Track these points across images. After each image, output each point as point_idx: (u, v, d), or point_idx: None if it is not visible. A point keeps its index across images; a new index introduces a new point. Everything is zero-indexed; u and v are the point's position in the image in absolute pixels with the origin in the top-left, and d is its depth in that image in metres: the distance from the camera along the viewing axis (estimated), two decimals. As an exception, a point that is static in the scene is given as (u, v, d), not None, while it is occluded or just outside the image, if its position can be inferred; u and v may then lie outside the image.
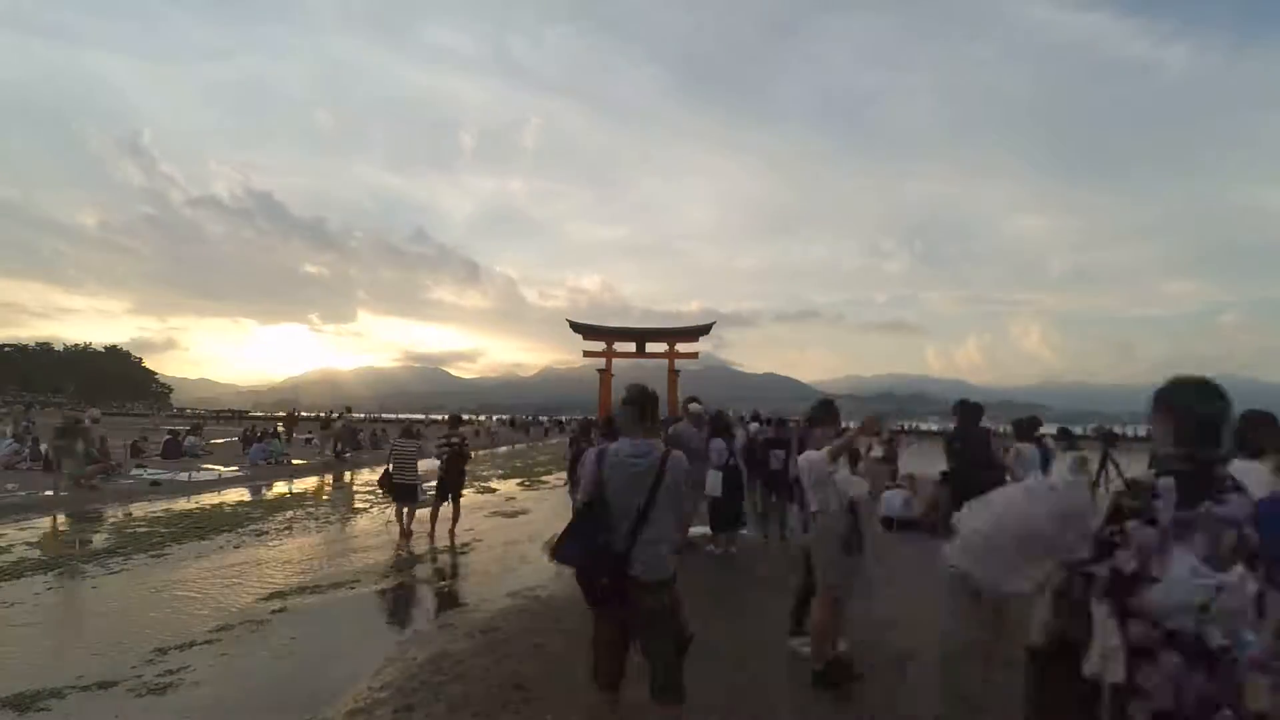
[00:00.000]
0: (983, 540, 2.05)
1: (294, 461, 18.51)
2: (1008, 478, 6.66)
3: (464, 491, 8.91)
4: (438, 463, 8.60)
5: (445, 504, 8.52)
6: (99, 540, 8.11)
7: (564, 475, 9.48)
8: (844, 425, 4.32)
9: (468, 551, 7.79)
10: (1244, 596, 1.48)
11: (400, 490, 8.46)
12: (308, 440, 24.03)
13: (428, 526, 8.49)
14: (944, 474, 6.38)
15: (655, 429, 3.59)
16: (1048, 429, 7.60)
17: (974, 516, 2.10)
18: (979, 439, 6.00)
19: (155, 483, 13.21)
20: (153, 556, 7.27)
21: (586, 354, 33.38)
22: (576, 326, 33.73)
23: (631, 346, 33.57)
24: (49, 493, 11.15)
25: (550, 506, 10.87)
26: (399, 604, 5.88)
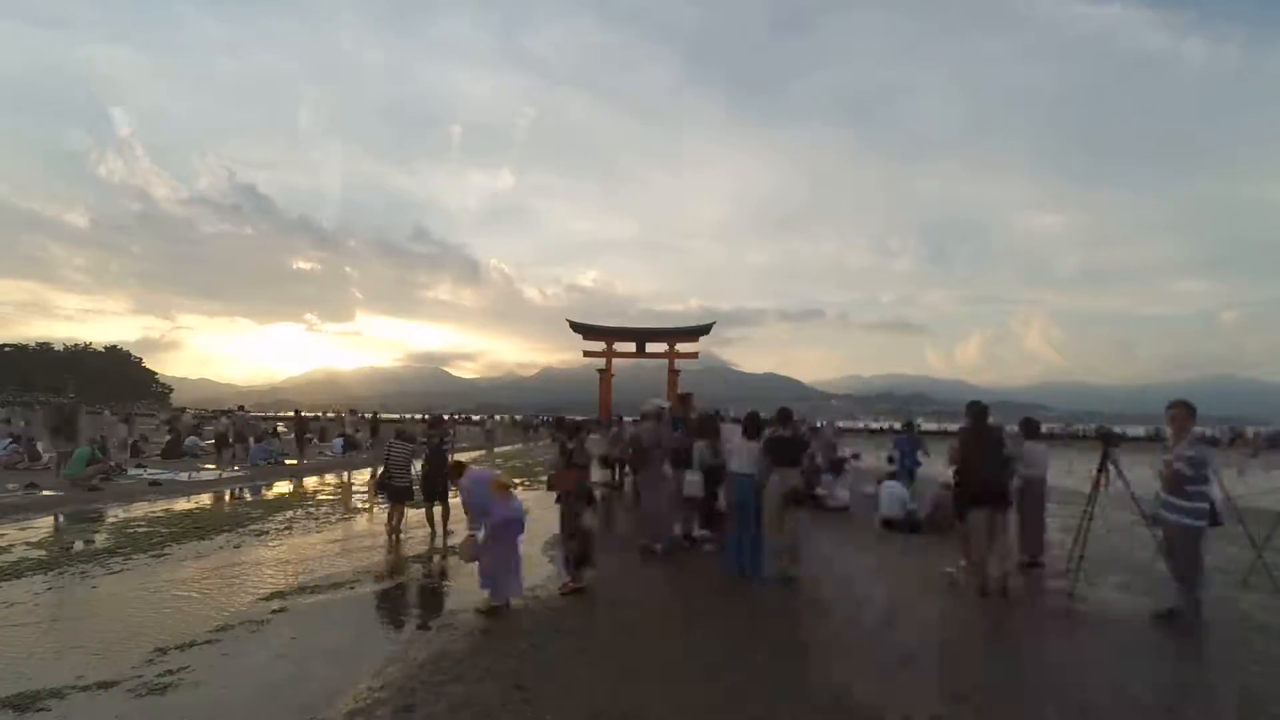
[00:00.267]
0: None
1: (288, 462, 18.53)
2: (1016, 478, 6.69)
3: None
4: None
5: (437, 505, 8.54)
6: (99, 540, 8.11)
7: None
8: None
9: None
10: None
11: (394, 492, 8.47)
12: (308, 440, 24.03)
13: (425, 528, 8.50)
14: (955, 473, 6.39)
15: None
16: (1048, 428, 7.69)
17: None
18: (992, 438, 6.02)
19: (155, 483, 13.21)
20: (153, 556, 7.27)
21: (587, 354, 33.38)
22: (576, 326, 33.73)
23: (631, 346, 33.57)
24: (49, 493, 11.16)
25: (551, 506, 10.84)
26: (399, 604, 5.87)
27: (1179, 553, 5.14)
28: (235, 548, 7.82)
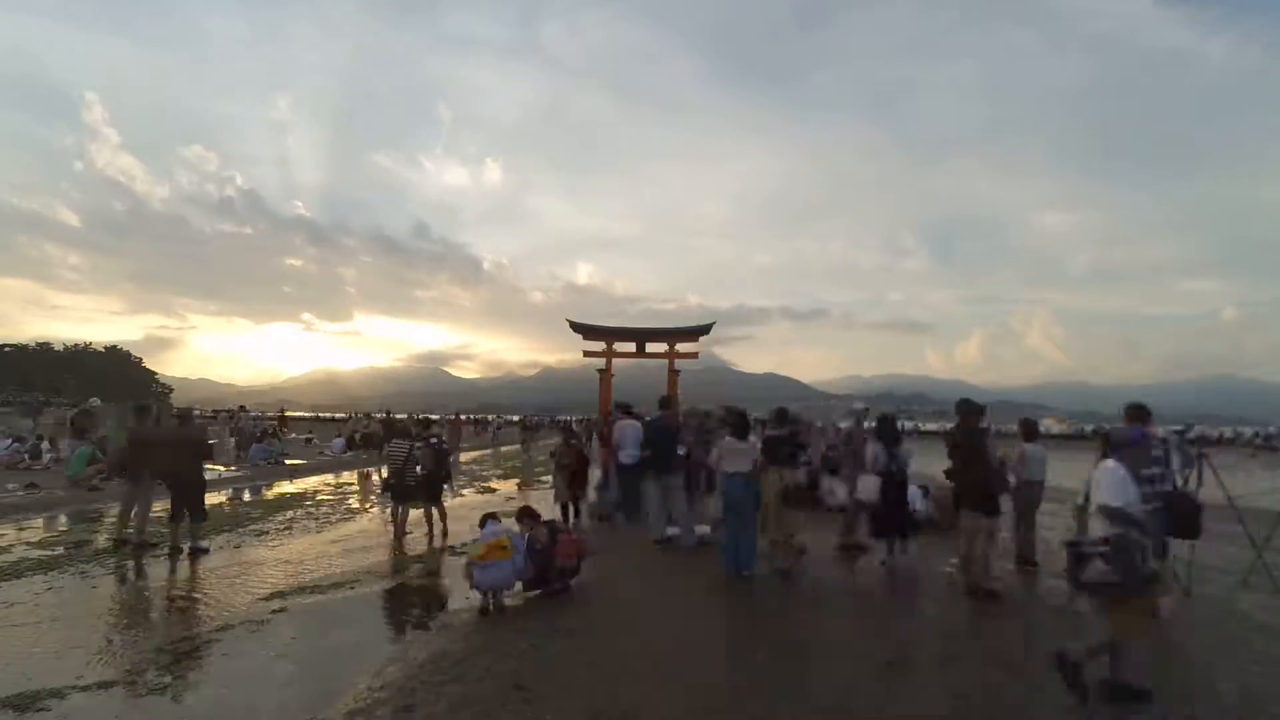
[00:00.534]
0: None
1: (289, 462, 18.53)
2: (1011, 478, 6.68)
3: (462, 493, 8.90)
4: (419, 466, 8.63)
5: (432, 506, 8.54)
6: (99, 540, 8.11)
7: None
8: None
9: (468, 552, 7.78)
10: None
11: (396, 491, 8.47)
12: (307, 440, 24.09)
13: (425, 528, 8.50)
14: (945, 473, 6.40)
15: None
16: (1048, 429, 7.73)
17: None
18: (977, 438, 6.01)
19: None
20: (152, 556, 7.27)
21: (586, 354, 33.41)
22: (576, 326, 33.71)
23: (631, 346, 33.59)
24: (50, 492, 11.16)
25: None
26: (399, 604, 5.87)
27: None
28: (235, 548, 7.82)
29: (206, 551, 7.46)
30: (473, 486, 14.16)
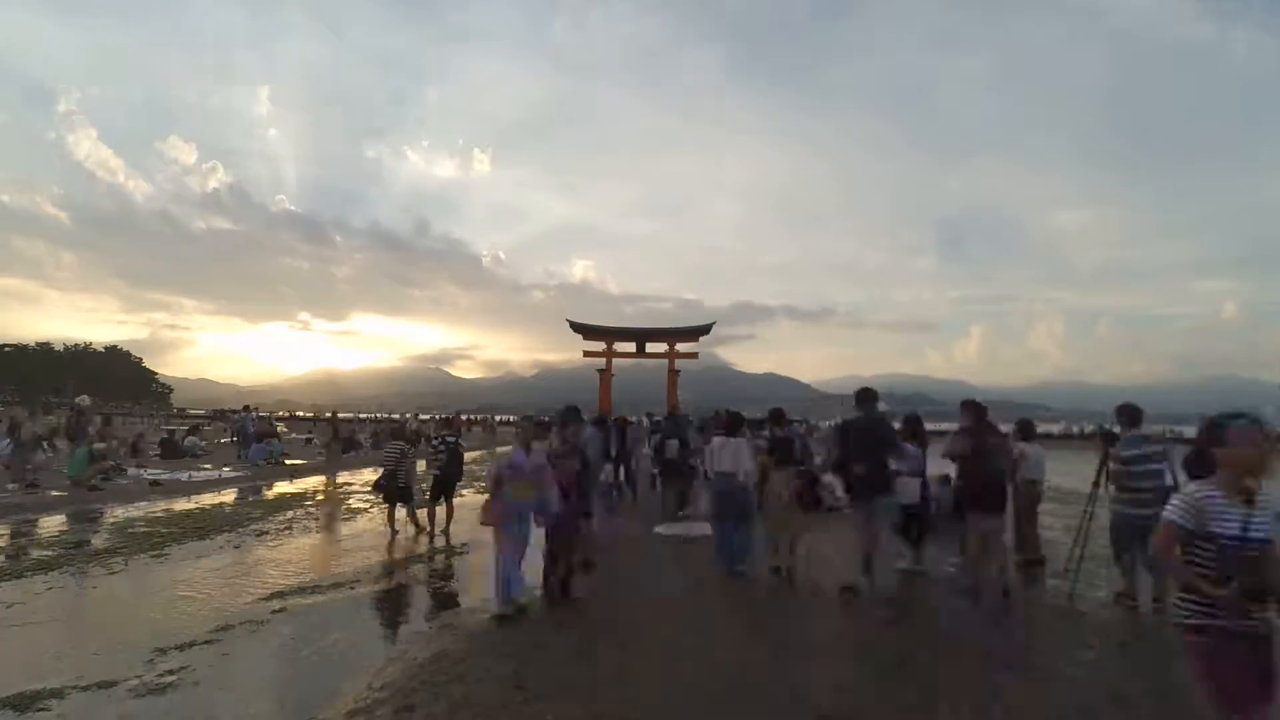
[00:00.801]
0: None
1: (289, 462, 18.53)
2: (1017, 476, 6.69)
3: (463, 492, 8.90)
4: (424, 464, 8.64)
5: (439, 505, 8.54)
6: (99, 540, 8.11)
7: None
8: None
9: (468, 552, 7.79)
10: None
11: (391, 491, 8.47)
12: (308, 440, 24.10)
13: (425, 527, 8.50)
14: (945, 475, 6.40)
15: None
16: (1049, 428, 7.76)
17: None
18: (991, 441, 6.02)
19: (155, 483, 13.21)
20: (153, 556, 7.27)
21: (586, 354, 33.47)
22: (576, 326, 33.79)
23: (631, 346, 33.67)
24: (51, 493, 11.15)
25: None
26: (399, 604, 5.87)
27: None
28: (235, 548, 7.82)
29: None
30: (473, 487, 14.15)
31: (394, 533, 8.31)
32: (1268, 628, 2.34)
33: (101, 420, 14.62)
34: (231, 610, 5.41)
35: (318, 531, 8.95)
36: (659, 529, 8.16)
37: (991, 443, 5.94)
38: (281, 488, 13.82)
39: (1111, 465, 5.61)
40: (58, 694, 3.80)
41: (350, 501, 11.81)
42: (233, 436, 18.52)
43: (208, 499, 11.84)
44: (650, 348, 33.43)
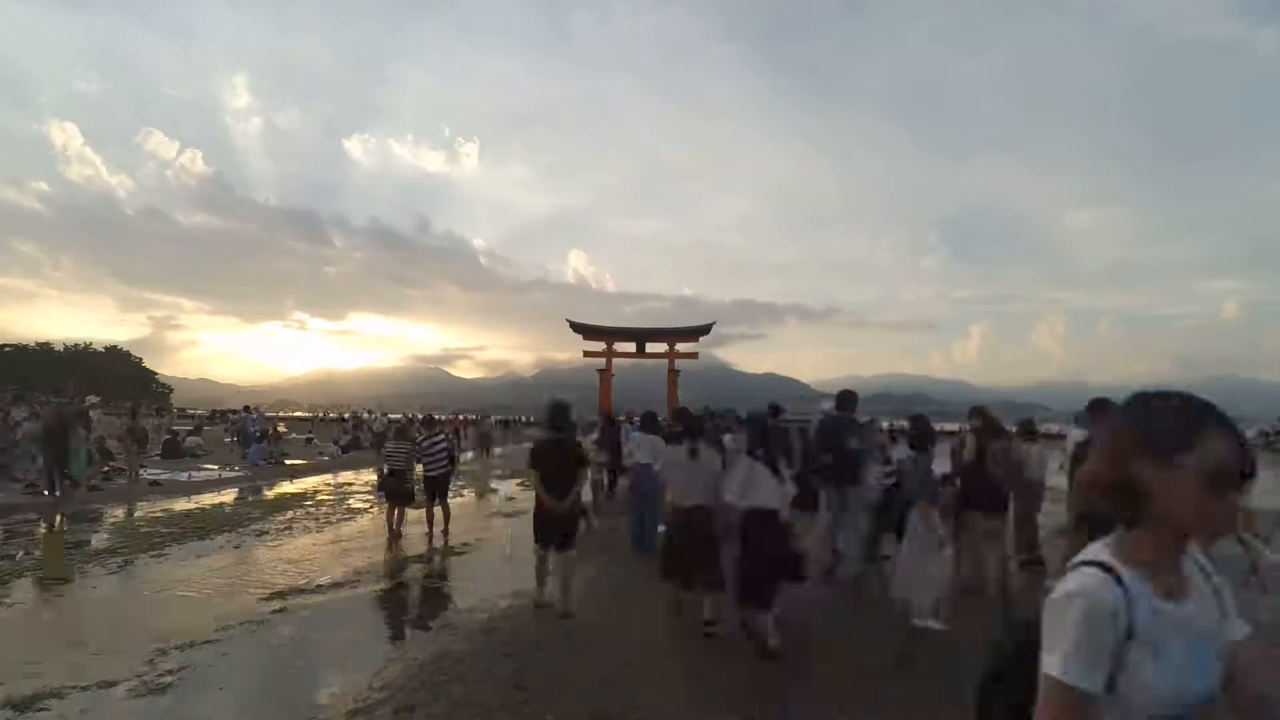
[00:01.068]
0: None
1: (289, 462, 18.53)
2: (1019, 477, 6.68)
3: (464, 493, 8.90)
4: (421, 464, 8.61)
5: (438, 505, 8.54)
6: (99, 540, 8.11)
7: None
8: None
9: (467, 552, 7.79)
10: None
11: (394, 492, 8.46)
12: (308, 440, 24.11)
13: (424, 528, 8.50)
14: (945, 476, 6.39)
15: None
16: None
17: None
18: (997, 443, 6.02)
19: (155, 483, 13.22)
20: (153, 556, 7.27)
21: (587, 354, 33.50)
22: (576, 326, 33.82)
23: (631, 346, 33.71)
24: (50, 494, 11.15)
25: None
26: (399, 604, 5.87)
27: None
28: (235, 548, 7.82)
29: None
30: (472, 487, 14.15)
31: (395, 533, 8.31)
32: None
33: (132, 414, 14.70)
34: (231, 610, 5.40)
35: (318, 531, 8.96)
36: (660, 528, 8.18)
37: (995, 445, 5.95)
38: (281, 488, 13.82)
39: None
40: (58, 694, 3.80)
41: (350, 501, 11.82)
42: (232, 436, 18.56)
43: (208, 499, 11.85)
44: (650, 348, 33.46)
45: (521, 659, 4.28)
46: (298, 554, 7.56)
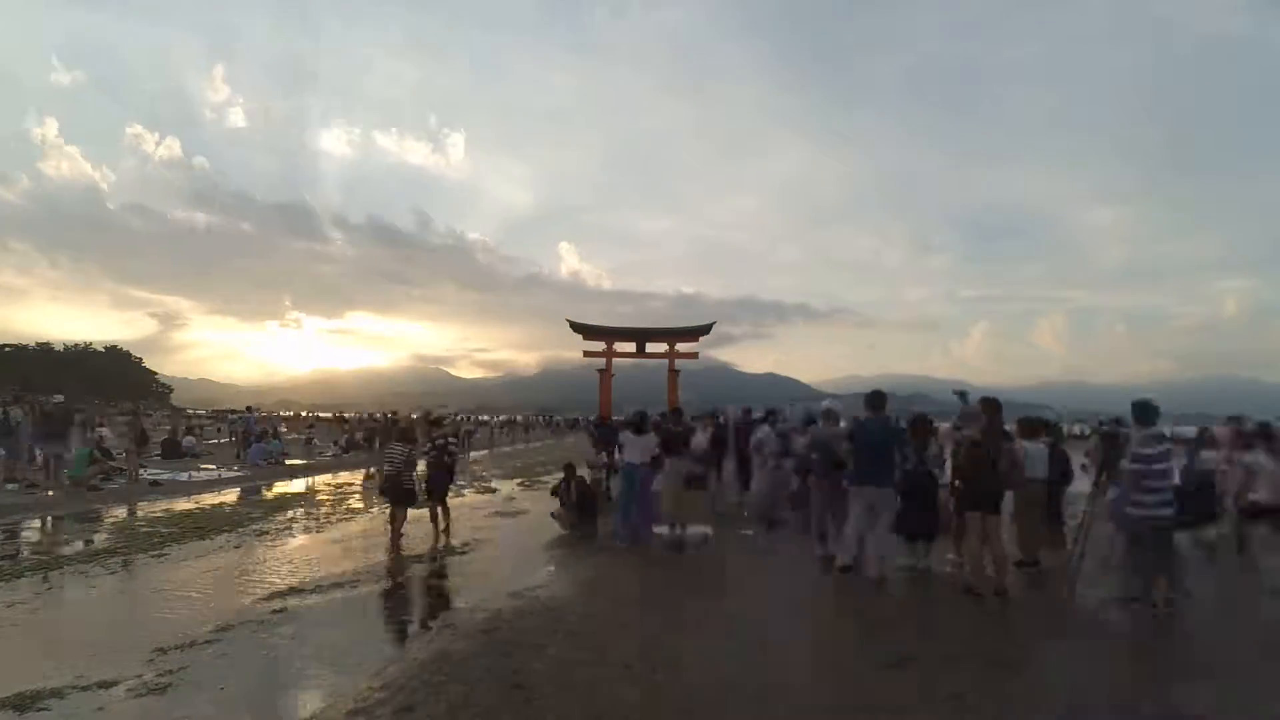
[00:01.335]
0: None
1: (289, 462, 18.53)
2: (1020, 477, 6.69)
3: (464, 492, 8.89)
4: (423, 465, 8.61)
5: (438, 505, 8.53)
6: (99, 540, 8.11)
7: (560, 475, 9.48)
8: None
9: (468, 552, 7.79)
10: None
11: (395, 493, 8.45)
12: (308, 440, 24.07)
13: (425, 528, 8.49)
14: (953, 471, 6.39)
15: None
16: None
17: None
18: (996, 442, 6.01)
19: (155, 483, 13.22)
20: (153, 556, 7.27)
21: (586, 354, 33.51)
22: (576, 326, 33.82)
23: (632, 346, 33.71)
24: (50, 493, 11.16)
25: (549, 506, 10.85)
26: (399, 604, 5.87)
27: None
28: (235, 548, 7.82)
29: None
30: (473, 487, 14.15)
31: (396, 534, 8.30)
32: None
33: (134, 417, 14.79)
34: (231, 610, 5.41)
35: (318, 531, 8.96)
36: (657, 529, 8.19)
37: (995, 445, 5.94)
38: (281, 488, 13.82)
39: (1132, 465, 5.38)
40: (58, 694, 3.80)
41: (350, 501, 11.82)
42: (232, 436, 18.58)
43: (208, 499, 11.85)
44: (650, 348, 33.46)
45: (521, 659, 4.28)
46: (298, 554, 7.56)
